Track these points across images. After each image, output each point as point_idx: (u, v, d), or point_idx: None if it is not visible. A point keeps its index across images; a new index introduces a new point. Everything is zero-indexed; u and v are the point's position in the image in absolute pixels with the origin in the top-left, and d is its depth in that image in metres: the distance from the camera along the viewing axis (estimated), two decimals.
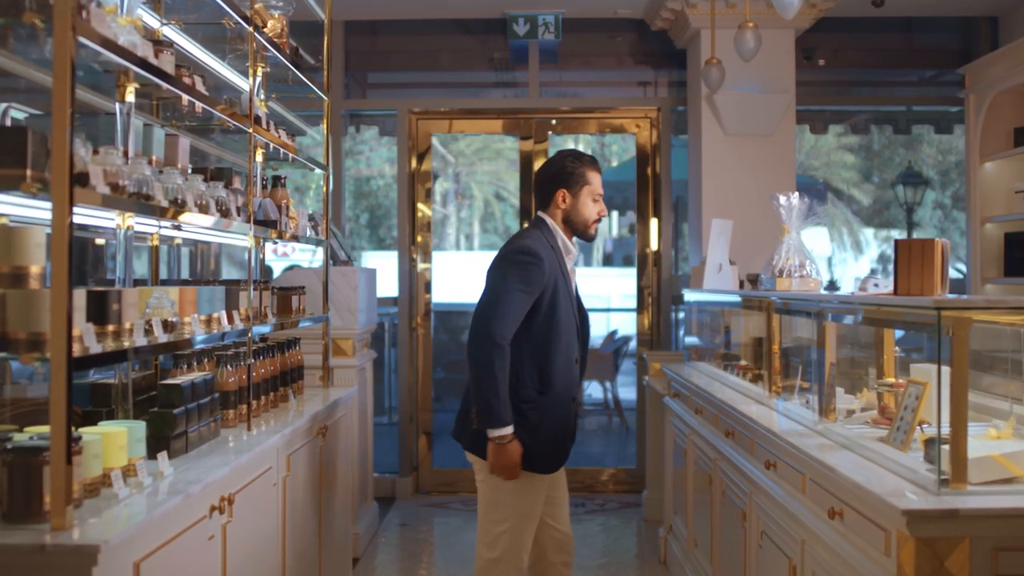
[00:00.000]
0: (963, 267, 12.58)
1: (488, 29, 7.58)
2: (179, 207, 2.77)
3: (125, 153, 2.75)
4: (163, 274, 4.18)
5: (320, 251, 4.97)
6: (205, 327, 3.09)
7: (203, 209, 2.91)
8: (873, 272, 16.88)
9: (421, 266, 7.59)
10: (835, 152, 15.99)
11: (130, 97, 2.76)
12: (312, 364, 5.02)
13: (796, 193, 3.97)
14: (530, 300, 3.34)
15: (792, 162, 6.75)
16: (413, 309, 7.53)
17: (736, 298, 5.12)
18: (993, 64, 6.39)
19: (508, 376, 3.30)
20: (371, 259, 15.38)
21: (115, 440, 2.42)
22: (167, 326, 2.72)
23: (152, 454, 2.71)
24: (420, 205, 7.59)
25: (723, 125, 6.66)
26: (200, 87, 2.97)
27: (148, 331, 2.64)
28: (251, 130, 3.40)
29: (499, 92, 7.88)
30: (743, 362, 5.14)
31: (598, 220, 3.58)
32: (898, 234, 18.24)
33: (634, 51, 7.70)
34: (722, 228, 5.50)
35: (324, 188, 4.72)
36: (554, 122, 7.63)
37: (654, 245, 7.48)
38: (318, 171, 4.82)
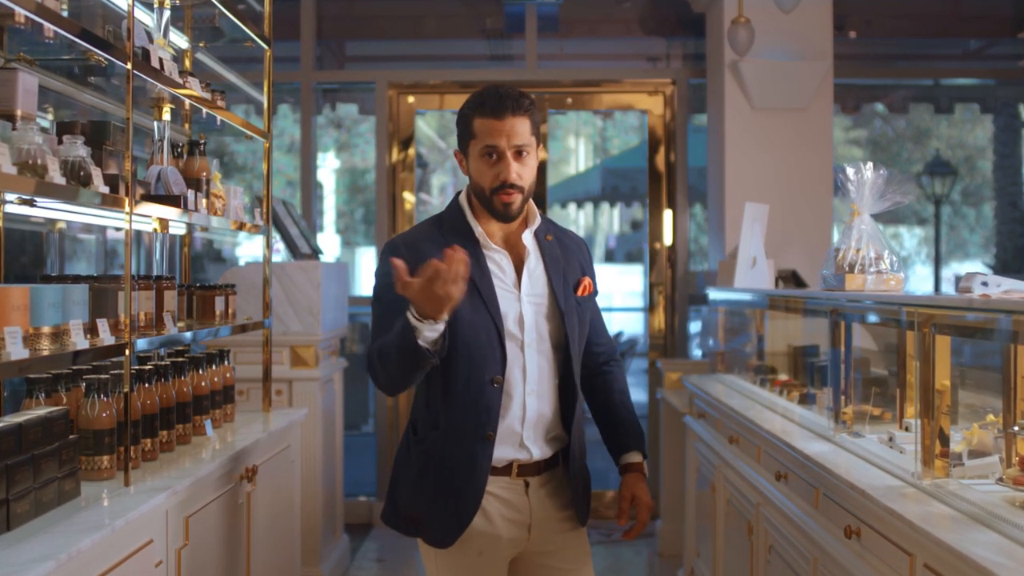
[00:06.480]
0: (989, 262, 11.67)
1: None
2: None
3: None
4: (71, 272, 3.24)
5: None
6: (50, 344, 2.15)
7: (31, 170, 1.98)
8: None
9: None
10: (842, 146, 15.49)
11: None
12: (257, 378, 4.15)
13: (869, 163, 3.04)
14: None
15: (829, 141, 5.82)
16: None
17: (778, 298, 4.19)
18: None
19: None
20: (366, 255, 15.08)
21: None
22: None
23: None
24: (406, 195, 6.65)
25: (750, 98, 5.73)
26: None
27: None
28: (129, 66, 2.44)
29: (492, 65, 6.95)
30: (783, 376, 4.23)
31: (502, 187, 2.35)
32: (906, 231, 17.26)
33: (644, 18, 6.77)
34: (757, 214, 4.57)
35: (265, 163, 3.75)
36: (551, 99, 6.68)
37: (668, 239, 6.54)
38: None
